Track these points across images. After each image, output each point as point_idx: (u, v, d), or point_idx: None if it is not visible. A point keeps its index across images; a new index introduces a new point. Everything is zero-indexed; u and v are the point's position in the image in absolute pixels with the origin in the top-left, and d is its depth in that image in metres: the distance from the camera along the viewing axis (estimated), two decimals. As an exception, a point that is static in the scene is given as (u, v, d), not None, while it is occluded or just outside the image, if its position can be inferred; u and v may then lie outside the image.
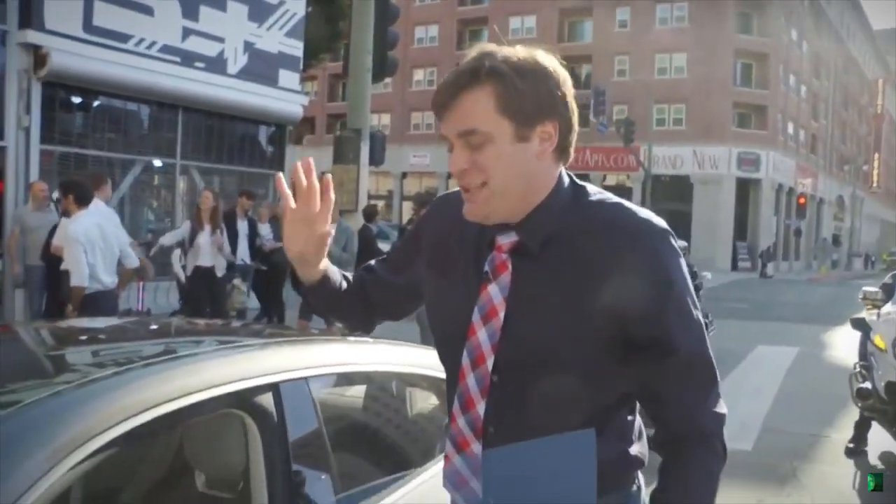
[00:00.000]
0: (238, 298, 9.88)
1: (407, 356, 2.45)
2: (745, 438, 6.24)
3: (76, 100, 10.69)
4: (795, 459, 6.00)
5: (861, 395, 5.92)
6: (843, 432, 6.58)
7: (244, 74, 12.52)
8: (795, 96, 48.51)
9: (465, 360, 1.49)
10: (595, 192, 1.51)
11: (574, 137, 1.49)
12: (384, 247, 12.74)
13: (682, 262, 1.47)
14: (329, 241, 1.60)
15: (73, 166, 10.56)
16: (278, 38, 13.20)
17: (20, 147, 9.84)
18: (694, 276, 5.98)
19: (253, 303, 10.84)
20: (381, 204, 40.26)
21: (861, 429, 6.31)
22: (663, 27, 43.17)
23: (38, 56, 9.84)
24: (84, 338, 2.38)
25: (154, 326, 2.88)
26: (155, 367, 1.68)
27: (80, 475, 1.38)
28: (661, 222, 1.45)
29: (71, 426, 1.37)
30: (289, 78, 13.47)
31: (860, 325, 6.49)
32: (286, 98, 13.41)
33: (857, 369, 6.47)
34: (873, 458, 6.21)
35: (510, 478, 1.43)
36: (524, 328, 1.44)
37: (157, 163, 12.04)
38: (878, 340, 5.98)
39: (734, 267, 39.99)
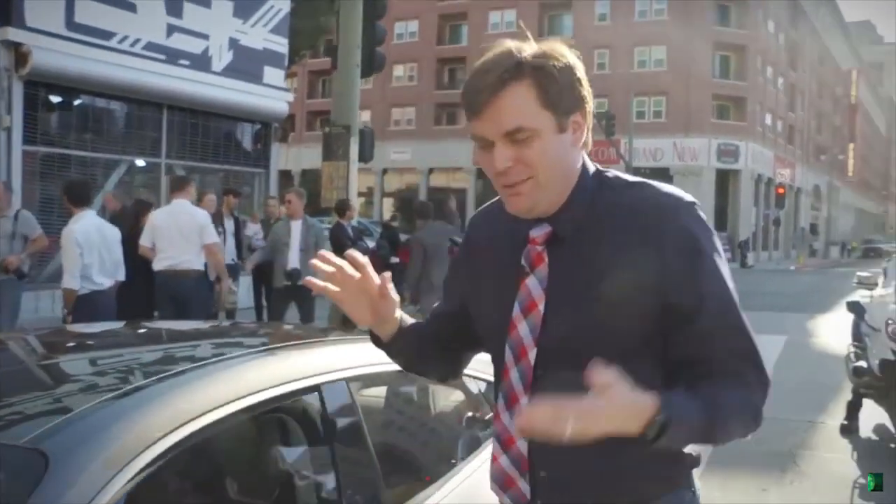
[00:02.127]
0: (229, 298, 9.79)
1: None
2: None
3: (59, 99, 10.56)
4: (794, 447, 6.05)
5: (857, 373, 6.23)
6: (838, 418, 6.65)
7: (229, 72, 12.45)
8: (773, 88, 48.92)
9: (508, 356, 1.48)
10: (614, 174, 1.51)
11: (591, 125, 1.49)
12: (369, 243, 12.69)
13: (712, 230, 1.46)
14: (390, 289, 1.54)
15: (57, 167, 10.44)
16: (263, 35, 13.13)
17: (1, 148, 9.71)
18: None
19: (242, 302, 10.76)
20: (361, 201, 40.22)
21: (853, 408, 6.52)
22: (642, 20, 43.37)
23: (19, 54, 9.74)
24: (114, 343, 2.35)
25: (180, 329, 2.84)
26: (204, 371, 1.67)
27: (142, 482, 1.35)
28: (686, 195, 1.46)
29: (128, 432, 1.36)
30: (274, 75, 13.41)
31: (855, 307, 6.61)
32: (271, 95, 13.34)
33: (852, 349, 6.65)
34: (865, 432, 6.44)
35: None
36: (565, 317, 1.43)
37: (142, 162, 11.93)
38: (871, 322, 6.17)
39: (715, 258, 40.22)
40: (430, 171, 48.56)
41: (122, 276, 6.58)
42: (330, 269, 1.50)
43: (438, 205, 10.43)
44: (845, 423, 6.52)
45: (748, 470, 5.27)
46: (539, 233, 1.47)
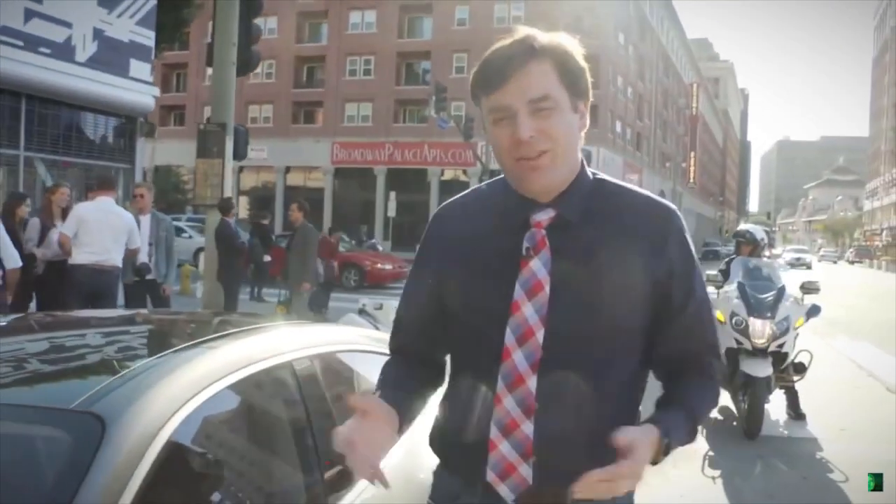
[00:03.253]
0: None
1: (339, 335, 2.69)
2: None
3: None
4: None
5: None
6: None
7: (93, 63, 11.98)
8: (623, 97, 51.41)
9: (510, 338, 1.48)
10: (602, 175, 1.60)
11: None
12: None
13: None
14: (385, 417, 1.45)
15: None
16: (129, 27, 12.72)
17: None
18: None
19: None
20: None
21: None
22: (501, 26, 44.48)
23: None
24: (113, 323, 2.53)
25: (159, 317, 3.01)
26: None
27: (177, 439, 1.54)
28: (665, 200, 1.61)
29: (164, 393, 1.54)
30: (140, 68, 13.00)
31: (704, 303, 7.26)
32: (137, 89, 12.93)
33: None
34: (713, 413, 7.12)
35: None
36: (573, 299, 1.47)
37: (-4, 153, 11.33)
38: (718, 315, 6.82)
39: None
40: (287, 169, 48.04)
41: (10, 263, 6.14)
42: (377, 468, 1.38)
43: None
44: (697, 406, 7.20)
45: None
46: (544, 217, 1.51)
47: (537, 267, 1.49)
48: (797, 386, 7.09)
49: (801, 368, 6.91)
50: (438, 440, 1.64)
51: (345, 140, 46.59)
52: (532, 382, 1.46)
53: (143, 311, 5.21)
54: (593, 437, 1.43)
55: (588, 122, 1.55)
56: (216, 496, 1.74)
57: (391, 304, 7.39)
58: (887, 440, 6.43)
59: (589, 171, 1.57)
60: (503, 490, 1.50)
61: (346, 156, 46.70)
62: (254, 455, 1.87)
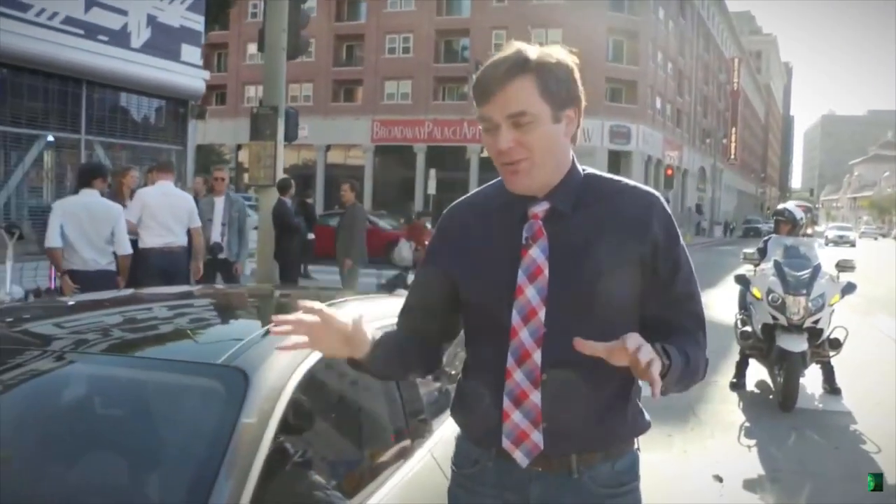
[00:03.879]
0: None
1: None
2: (645, 387, 7.10)
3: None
4: (693, 401, 6.88)
5: (744, 336, 7.32)
6: (728, 376, 7.56)
7: (147, 48, 12.43)
8: (663, 73, 50.98)
9: (516, 318, 1.65)
10: (591, 169, 1.79)
11: (581, 122, 1.73)
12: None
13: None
14: (361, 323, 1.62)
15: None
16: (180, 12, 13.15)
17: (-82, 122, 9.57)
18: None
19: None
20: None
21: (741, 367, 7.58)
22: (540, 3, 44.31)
23: (-64, 27, 9.58)
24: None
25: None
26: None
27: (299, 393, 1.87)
28: (649, 188, 1.78)
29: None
30: (191, 53, 13.44)
31: (742, 280, 7.49)
32: (189, 73, 13.38)
33: (739, 317, 7.58)
34: (750, 387, 7.52)
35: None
36: (569, 280, 1.64)
37: (60, 138, 11.85)
38: (755, 292, 7.12)
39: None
40: (328, 147, 48.49)
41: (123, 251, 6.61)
42: (286, 328, 1.55)
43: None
44: (734, 380, 7.51)
45: (654, 421, 6.03)
46: (539, 209, 1.69)
47: (536, 254, 1.67)
48: (833, 361, 7.30)
49: (836, 344, 7.11)
50: (459, 411, 1.83)
51: (384, 118, 46.94)
52: (537, 356, 1.64)
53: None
54: (597, 403, 1.68)
55: (579, 122, 1.71)
56: (332, 432, 2.11)
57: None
58: (921, 414, 6.63)
59: (580, 167, 1.76)
60: (518, 455, 1.67)
61: (385, 133, 47.07)
62: (357, 402, 2.21)
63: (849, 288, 7.12)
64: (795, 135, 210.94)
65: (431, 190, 34.61)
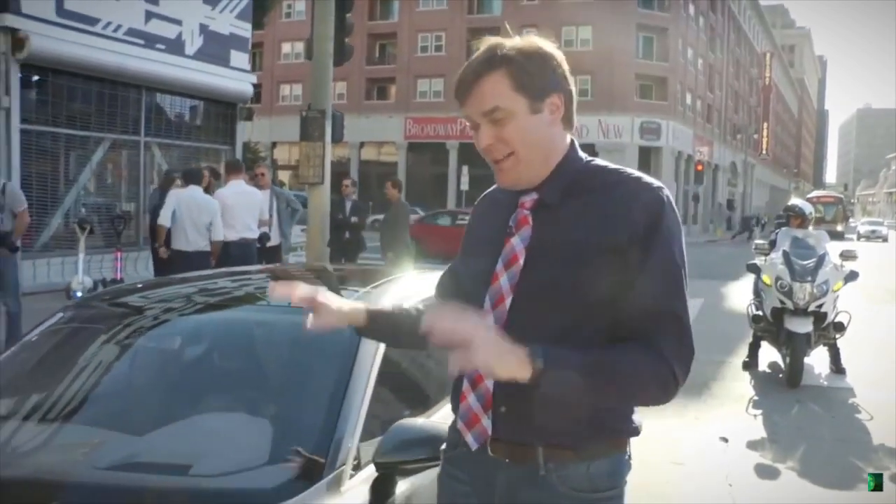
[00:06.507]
0: None
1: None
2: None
3: (50, 81, 11.35)
4: (708, 379, 7.55)
5: (755, 320, 8.03)
6: (742, 357, 8.22)
7: (200, 55, 13.36)
8: (693, 69, 51.11)
9: (487, 304, 1.64)
10: (600, 161, 1.73)
11: (575, 107, 1.70)
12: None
13: (676, 212, 1.64)
14: (338, 301, 1.76)
15: (50, 145, 11.27)
16: (230, 21, 14.06)
17: (0, 127, 10.50)
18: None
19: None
20: (290, 173, 40.77)
21: (753, 348, 8.24)
22: (570, 1, 44.71)
23: (16, 39, 10.49)
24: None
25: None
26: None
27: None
28: (656, 181, 1.65)
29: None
30: (239, 58, 14.36)
31: (754, 268, 8.13)
32: (237, 77, 14.31)
33: (752, 302, 8.23)
34: (762, 367, 8.15)
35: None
36: (541, 271, 1.61)
37: (121, 140, 12.78)
38: (766, 279, 7.75)
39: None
40: (361, 144, 49.33)
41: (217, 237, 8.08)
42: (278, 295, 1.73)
43: None
44: (747, 360, 8.17)
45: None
46: (527, 199, 1.68)
47: (516, 242, 1.66)
48: (839, 344, 7.93)
49: (840, 327, 7.74)
50: (451, 393, 1.81)
51: (417, 115, 47.74)
52: None
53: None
54: (548, 395, 1.50)
55: (565, 110, 1.67)
56: (414, 373, 2.86)
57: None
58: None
59: (583, 156, 1.72)
60: (469, 439, 1.67)
61: (418, 131, 47.89)
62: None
63: (851, 276, 7.74)
64: (830, 129, 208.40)
65: (465, 186, 35.21)
